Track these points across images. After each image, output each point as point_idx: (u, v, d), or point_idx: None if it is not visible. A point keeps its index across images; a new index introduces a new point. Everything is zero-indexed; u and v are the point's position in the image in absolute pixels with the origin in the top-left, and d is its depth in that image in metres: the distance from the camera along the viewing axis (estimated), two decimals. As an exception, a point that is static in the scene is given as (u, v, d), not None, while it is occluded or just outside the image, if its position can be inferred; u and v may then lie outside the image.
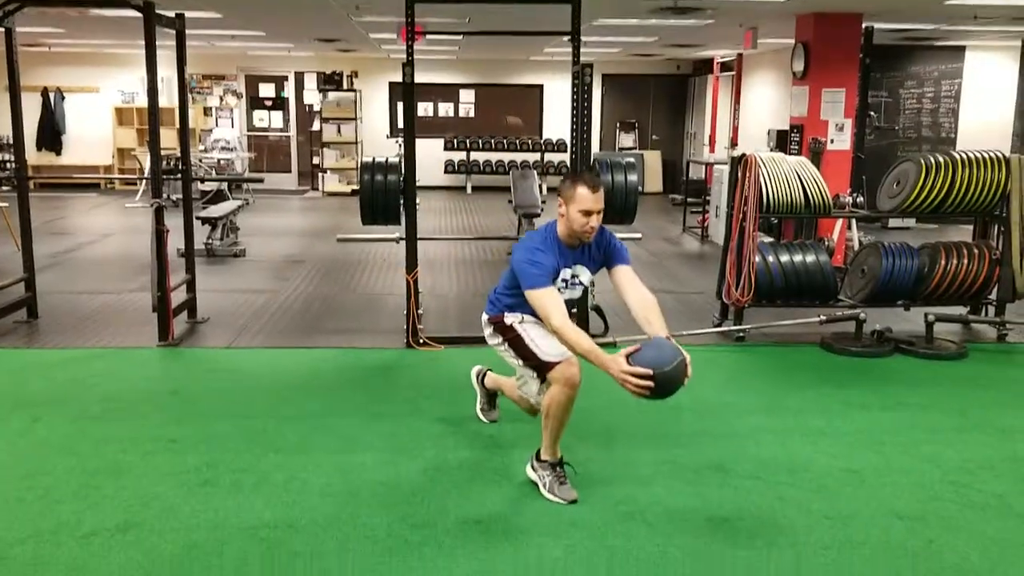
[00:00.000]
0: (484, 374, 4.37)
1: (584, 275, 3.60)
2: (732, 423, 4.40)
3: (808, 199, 5.81)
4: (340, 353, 5.60)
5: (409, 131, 5.57)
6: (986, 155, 5.87)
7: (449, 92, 16.69)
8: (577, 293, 3.68)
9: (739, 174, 5.83)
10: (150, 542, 3.08)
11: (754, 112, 13.37)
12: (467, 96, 16.81)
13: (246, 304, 6.84)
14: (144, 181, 14.25)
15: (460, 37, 11.49)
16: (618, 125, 17.01)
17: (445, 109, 16.80)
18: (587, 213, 3.38)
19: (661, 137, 17.09)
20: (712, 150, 14.47)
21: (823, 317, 5.81)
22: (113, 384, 4.90)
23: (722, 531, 3.22)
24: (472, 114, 16.88)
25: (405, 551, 3.04)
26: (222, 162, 14.04)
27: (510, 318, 3.63)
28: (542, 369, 3.49)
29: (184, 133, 6.34)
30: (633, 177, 5.61)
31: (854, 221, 8.34)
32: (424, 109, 16.50)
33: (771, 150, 9.08)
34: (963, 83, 12.04)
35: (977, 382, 5.13)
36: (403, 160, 5.58)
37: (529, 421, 3.98)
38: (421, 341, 5.72)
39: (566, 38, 5.71)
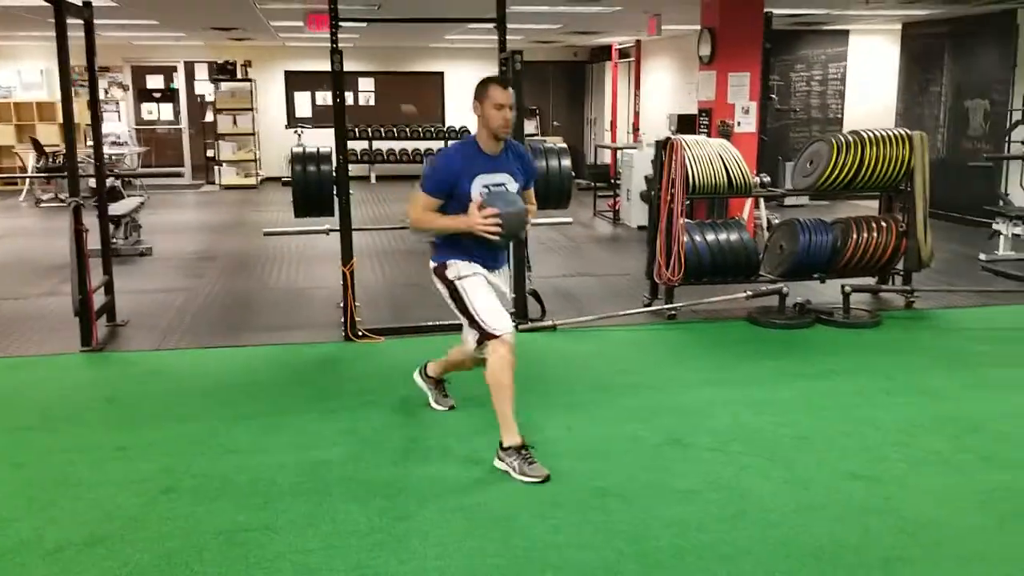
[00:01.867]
0: (424, 368, 4.39)
1: (512, 186, 3.71)
2: (681, 397, 4.54)
3: (731, 180, 6.02)
4: (276, 350, 5.48)
5: (339, 120, 5.49)
6: (891, 133, 6.21)
7: (348, 80, 16.40)
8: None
9: (665, 157, 5.98)
10: (124, 554, 2.97)
11: (654, 98, 13.68)
12: (366, 84, 16.60)
13: (164, 304, 6.61)
14: (28, 180, 13.54)
15: (364, 24, 11.33)
16: (534, 109, 17.11)
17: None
18: (500, 107, 3.58)
19: (562, 123, 17.30)
20: (614, 136, 14.75)
21: (749, 292, 6.05)
22: (45, 393, 4.67)
23: (695, 503, 3.33)
24: (372, 102, 16.67)
25: (393, 544, 3.03)
26: (113, 157, 13.43)
27: (451, 271, 3.73)
28: (484, 336, 3.64)
29: (96, 129, 6.05)
30: (567, 162, 5.69)
31: (762, 200, 8.68)
32: (323, 98, 16.19)
33: (672, 134, 9.33)
34: (848, 66, 12.66)
35: (895, 348, 5.44)
36: (335, 149, 5.50)
37: (487, 404, 4.00)
38: (360, 334, 5.66)
39: (472, 24, 5.72)
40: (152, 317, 6.23)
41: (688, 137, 6.14)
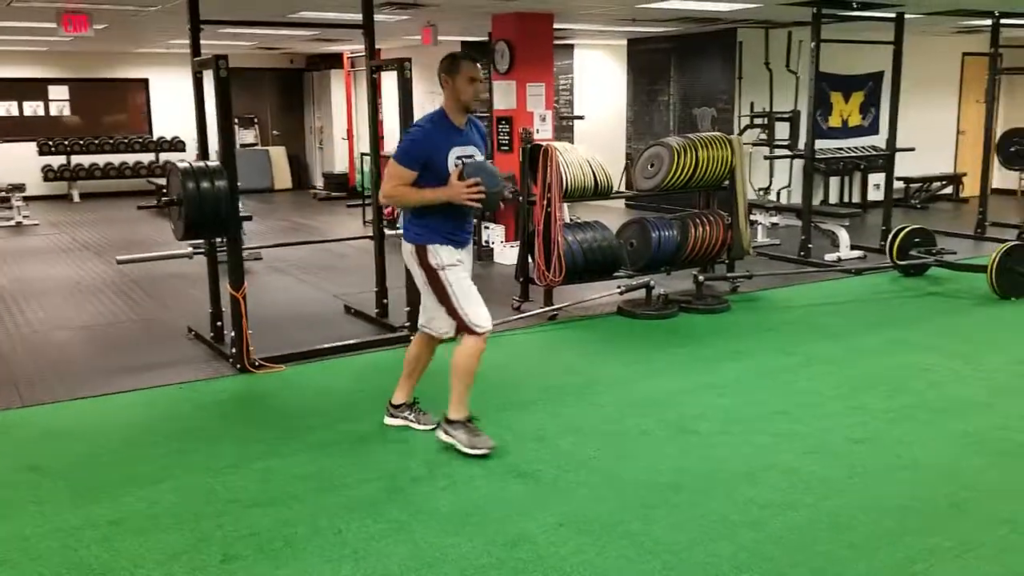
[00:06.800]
0: (388, 404, 4.21)
1: (478, 156, 3.84)
2: (640, 390, 4.74)
3: (597, 183, 6.35)
4: (165, 393, 4.80)
5: (227, 131, 4.95)
6: (716, 137, 6.93)
7: (36, 88, 14.40)
8: None
9: (540, 163, 6.14)
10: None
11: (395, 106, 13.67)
12: (59, 93, 14.66)
13: (-15, 353, 5.49)
14: None
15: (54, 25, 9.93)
16: (237, 120, 16.14)
17: (33, 108, 14.45)
18: (473, 80, 3.73)
19: (282, 132, 16.63)
20: (351, 145, 14.53)
21: (622, 288, 6.42)
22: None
23: (762, 484, 3.57)
24: (67, 112, 14.77)
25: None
26: None
27: (433, 257, 3.77)
28: (460, 327, 3.77)
29: None
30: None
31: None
32: (6, 109, 14.06)
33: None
34: (575, 78, 13.67)
35: (765, 327, 6.10)
36: (223, 163, 4.94)
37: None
38: (257, 364, 5.14)
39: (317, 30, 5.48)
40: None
41: (559, 144, 6.36)
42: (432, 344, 4.08)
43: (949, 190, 12.87)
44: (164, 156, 14.93)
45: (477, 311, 3.75)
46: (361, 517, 3.29)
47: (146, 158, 14.89)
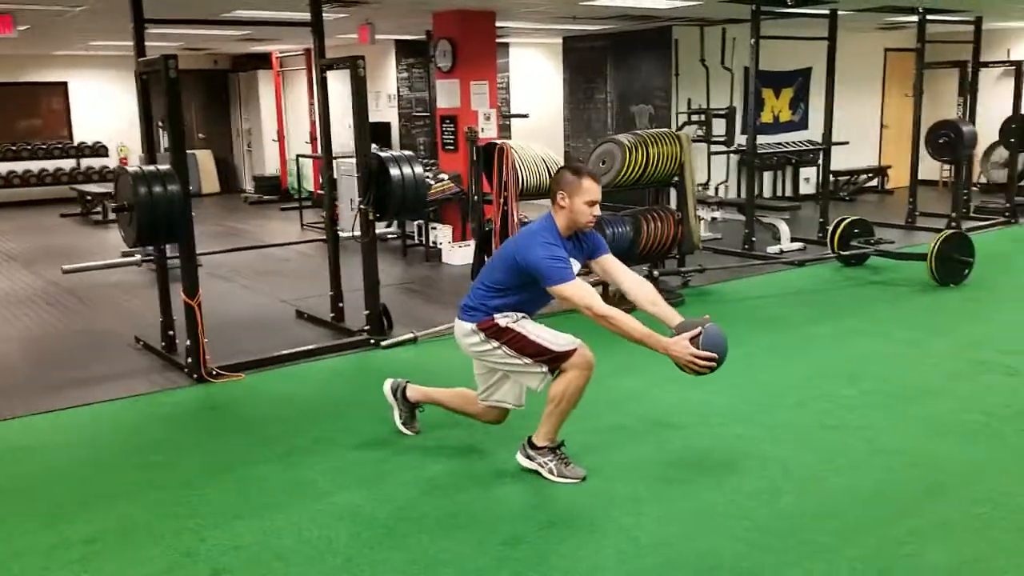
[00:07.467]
0: (403, 388, 4.10)
1: (575, 268, 3.62)
2: (607, 387, 4.75)
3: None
4: (121, 406, 4.63)
5: (178, 133, 4.79)
6: (665, 133, 7.00)
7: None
8: None
9: (496, 161, 6.11)
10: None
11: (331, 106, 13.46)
12: (-33, 97, 13.99)
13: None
14: None
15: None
16: (161, 124, 15.66)
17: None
18: (592, 203, 3.48)
19: (208, 135, 16.20)
20: (282, 147, 14.26)
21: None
22: None
23: (748, 475, 3.62)
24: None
25: None
26: None
27: (503, 320, 3.54)
28: (558, 360, 3.49)
29: None
30: (419, 169, 5.56)
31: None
32: None
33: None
34: (511, 76, 13.68)
35: (718, 320, 6.10)
36: (173, 167, 4.78)
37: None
38: (214, 373, 4.99)
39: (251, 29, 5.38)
40: None
41: (514, 142, 6.34)
42: (490, 417, 3.85)
43: (875, 182, 13.29)
44: (86, 162, 14.43)
45: (556, 336, 3.51)
46: (349, 524, 3.22)
47: (67, 164, 14.34)
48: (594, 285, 3.98)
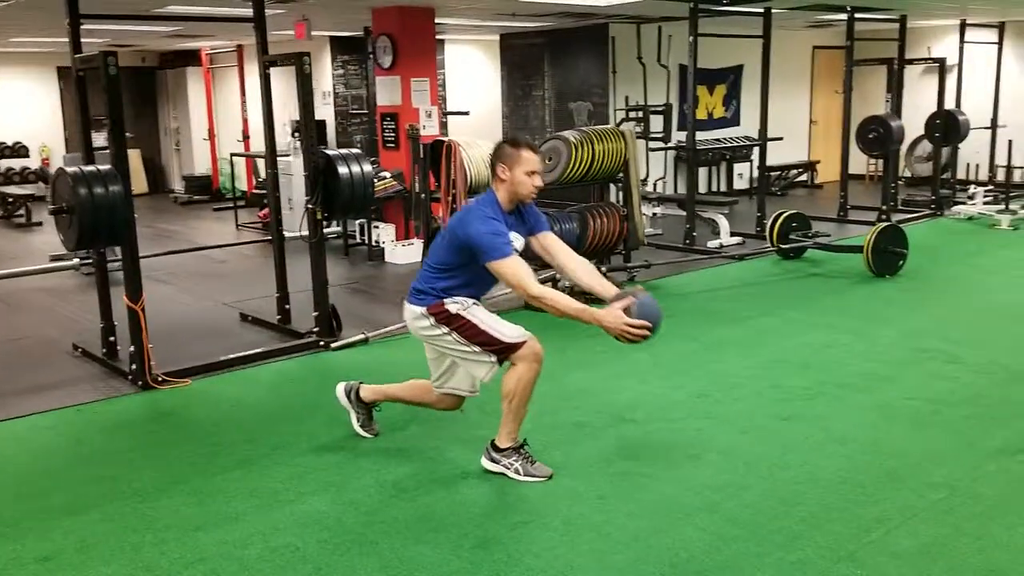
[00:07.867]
0: (356, 389, 4.03)
1: (519, 242, 3.61)
2: (569, 383, 4.76)
3: (499, 178, 6.32)
4: (63, 417, 4.45)
5: (118, 133, 4.62)
6: (609, 130, 7.04)
7: None
8: None
9: (443, 159, 6.06)
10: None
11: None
12: None
13: None
14: None
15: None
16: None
17: None
18: (533, 173, 3.48)
19: (135, 134, 15.70)
20: (213, 146, 13.93)
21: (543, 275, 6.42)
22: None
23: (714, 465, 3.66)
24: None
25: None
26: None
27: (453, 306, 3.52)
28: (507, 351, 3.48)
29: None
30: (368, 167, 5.48)
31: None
32: None
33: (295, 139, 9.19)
34: (447, 74, 13.59)
35: (666, 314, 6.16)
36: (114, 167, 4.61)
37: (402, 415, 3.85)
38: (160, 379, 4.83)
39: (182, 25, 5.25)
40: None
41: (461, 138, 6.29)
42: (444, 404, 3.84)
43: (805, 177, 13.61)
44: (5, 163, 13.86)
45: (507, 327, 3.49)
46: (316, 532, 3.15)
47: (-16, 166, 13.75)
48: (543, 282, 3.97)
